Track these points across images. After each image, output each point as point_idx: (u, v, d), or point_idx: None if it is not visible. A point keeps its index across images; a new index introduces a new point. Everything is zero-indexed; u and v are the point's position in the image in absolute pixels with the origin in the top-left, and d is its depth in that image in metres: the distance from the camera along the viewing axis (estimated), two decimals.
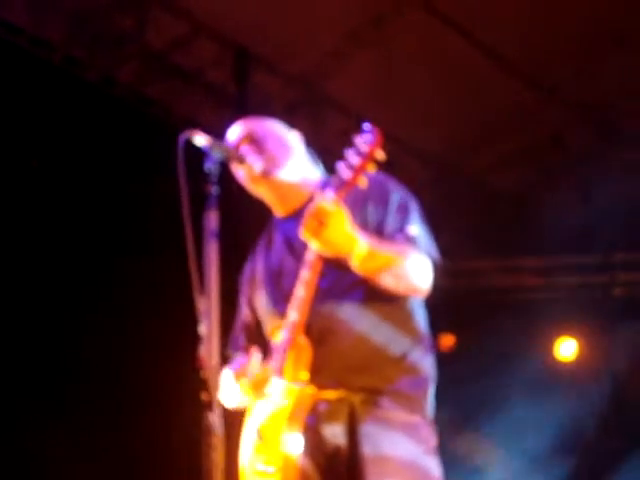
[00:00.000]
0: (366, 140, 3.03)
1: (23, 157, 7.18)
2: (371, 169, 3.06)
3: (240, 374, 3.40)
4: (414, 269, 3.30)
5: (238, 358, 3.55)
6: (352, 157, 3.05)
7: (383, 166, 3.15)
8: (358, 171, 3.04)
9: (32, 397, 6.90)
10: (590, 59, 7.65)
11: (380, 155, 3.04)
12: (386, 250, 3.23)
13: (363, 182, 3.07)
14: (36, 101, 6.99)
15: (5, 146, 6.98)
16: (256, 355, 3.40)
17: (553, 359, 9.43)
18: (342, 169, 3.07)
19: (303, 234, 3.11)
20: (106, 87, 7.51)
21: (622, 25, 7.33)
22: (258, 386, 3.36)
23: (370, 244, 3.17)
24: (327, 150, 8.05)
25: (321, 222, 3.04)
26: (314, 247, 3.14)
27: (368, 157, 3.03)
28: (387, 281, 3.26)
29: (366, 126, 3.07)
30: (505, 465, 8.83)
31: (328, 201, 3.06)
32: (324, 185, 3.57)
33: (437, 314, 3.80)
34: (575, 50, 7.56)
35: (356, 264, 3.17)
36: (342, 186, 3.07)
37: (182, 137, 3.05)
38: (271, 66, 7.86)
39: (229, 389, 3.45)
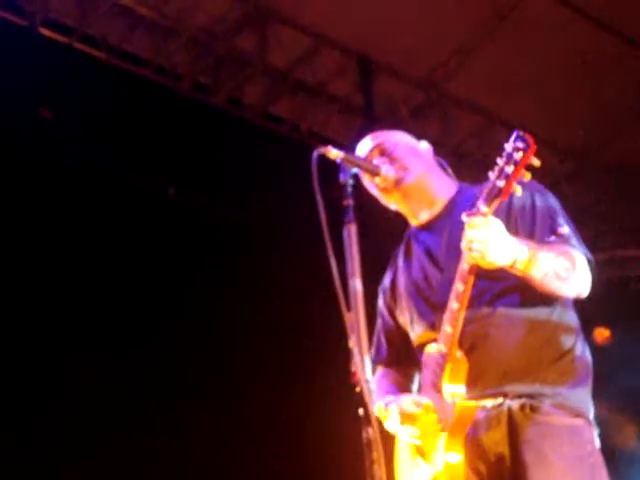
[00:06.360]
0: (519, 147, 2.95)
1: (159, 186, 7.32)
2: (526, 177, 2.98)
3: (405, 418, 3.28)
4: (576, 269, 3.21)
5: (385, 379, 3.56)
6: (505, 165, 2.97)
7: None
8: (512, 180, 2.97)
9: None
10: None
11: (535, 162, 2.96)
12: (547, 252, 3.15)
13: (518, 191, 3.00)
14: (167, 130, 7.12)
15: (140, 176, 7.13)
16: (408, 398, 3.35)
17: None
18: (495, 178, 3.00)
19: (468, 258, 3.06)
20: (233, 109, 7.60)
21: None
22: (413, 420, 3.30)
23: (530, 248, 3.11)
24: (458, 150, 8.14)
25: (481, 241, 3.00)
26: (475, 262, 3.06)
27: (522, 165, 2.95)
28: (551, 284, 3.17)
29: (517, 133, 2.98)
30: None
31: (481, 216, 3.01)
32: (461, 192, 3.53)
33: (589, 308, 3.67)
34: None
35: (520, 271, 3.11)
36: (496, 196, 3.00)
37: (315, 152, 3.03)
38: (395, 71, 7.83)
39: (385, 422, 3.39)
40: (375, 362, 3.64)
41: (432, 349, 3.31)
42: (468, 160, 8.22)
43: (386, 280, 3.72)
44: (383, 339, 3.70)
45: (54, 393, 6.70)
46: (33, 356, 6.67)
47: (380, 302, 3.72)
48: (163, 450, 7.05)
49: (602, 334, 8.69)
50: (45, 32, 6.87)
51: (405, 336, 3.59)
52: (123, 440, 6.81)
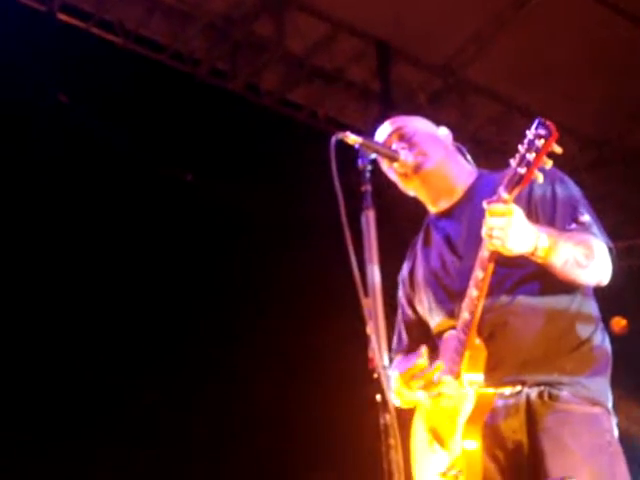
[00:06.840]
0: (540, 135, 2.92)
1: (178, 172, 7.32)
2: (547, 165, 2.95)
3: (409, 376, 3.34)
4: (597, 257, 3.20)
5: (402, 360, 3.52)
6: (526, 152, 2.94)
7: None
8: (534, 167, 2.94)
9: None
10: None
11: (557, 150, 2.93)
12: (567, 240, 3.14)
13: (540, 178, 2.97)
14: (184, 115, 7.11)
15: (159, 162, 7.13)
16: (424, 354, 3.33)
17: None
18: (516, 165, 2.98)
19: (488, 245, 3.05)
20: (251, 95, 7.59)
21: None
22: (429, 386, 3.31)
23: (550, 236, 3.09)
24: (476, 137, 8.10)
25: (502, 228, 2.98)
26: (495, 249, 3.05)
27: (544, 152, 2.92)
28: (572, 272, 3.16)
29: (539, 120, 2.95)
30: None
31: (502, 203, 2.99)
32: (480, 179, 3.51)
33: (609, 297, 3.65)
34: None
35: (540, 258, 3.09)
36: (517, 183, 2.97)
37: (333, 138, 3.01)
38: (412, 57, 7.79)
39: (398, 391, 3.41)
40: (396, 352, 3.64)
41: (451, 336, 3.31)
42: (485, 147, 8.19)
43: (405, 270, 3.71)
44: (403, 330, 3.69)
45: (53, 391, 6.74)
46: (38, 351, 6.70)
47: (400, 293, 3.71)
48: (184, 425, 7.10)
49: (619, 323, 8.64)
50: (63, 17, 6.88)
51: (425, 326, 3.58)
52: (128, 435, 6.85)
